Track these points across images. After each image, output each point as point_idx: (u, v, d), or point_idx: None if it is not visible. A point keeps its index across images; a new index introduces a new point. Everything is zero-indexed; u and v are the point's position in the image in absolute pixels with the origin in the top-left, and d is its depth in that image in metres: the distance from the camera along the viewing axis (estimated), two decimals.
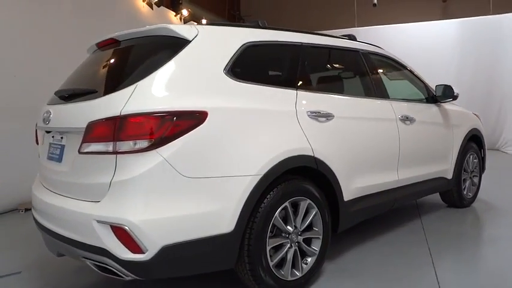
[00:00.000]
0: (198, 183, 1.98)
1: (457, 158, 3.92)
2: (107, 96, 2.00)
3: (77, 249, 2.02)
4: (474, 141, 4.25)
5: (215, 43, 2.26)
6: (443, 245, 3.20)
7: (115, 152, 1.90)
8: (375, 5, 9.64)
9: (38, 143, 2.66)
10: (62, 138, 2.28)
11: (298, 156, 2.34)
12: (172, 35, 2.16)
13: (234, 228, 2.05)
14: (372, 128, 2.97)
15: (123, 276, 1.96)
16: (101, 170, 1.95)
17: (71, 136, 2.19)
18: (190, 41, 2.15)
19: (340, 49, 3.05)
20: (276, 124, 2.32)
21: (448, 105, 3.90)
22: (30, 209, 4.75)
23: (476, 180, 4.36)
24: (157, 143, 1.88)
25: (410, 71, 3.77)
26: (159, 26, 2.18)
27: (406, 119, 3.26)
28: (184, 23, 8.05)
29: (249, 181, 2.10)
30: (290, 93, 2.47)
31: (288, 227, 2.34)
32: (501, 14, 8.56)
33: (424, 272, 2.71)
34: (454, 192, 4.04)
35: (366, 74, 3.17)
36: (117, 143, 1.88)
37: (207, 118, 2.01)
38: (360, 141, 2.84)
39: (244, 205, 2.08)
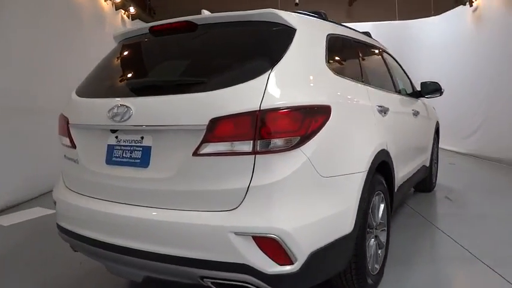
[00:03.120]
0: (331, 182, 1.85)
1: (432, 147, 4.38)
2: (231, 88, 1.70)
3: (196, 269, 1.70)
4: (436, 133, 4.78)
5: (312, 33, 2.12)
6: (448, 224, 3.55)
7: (254, 152, 1.65)
8: (296, 4, 10.01)
9: (74, 145, 2.14)
10: (142, 138, 1.89)
11: (382, 150, 2.35)
12: (279, 21, 1.95)
13: (353, 228, 1.97)
14: (405, 121, 3.14)
15: None
16: (231, 174, 1.67)
17: (163, 135, 1.83)
18: (296, 30, 1.97)
19: (374, 46, 3.14)
20: (366, 118, 2.29)
21: (425, 100, 4.30)
22: None
23: (435, 166, 4.91)
24: (301, 140, 1.70)
25: (401, 66, 4.06)
26: (265, 11, 1.94)
27: (416, 113, 3.51)
28: (116, 9, 7.31)
29: (361, 177, 2.05)
30: (363, 87, 2.46)
31: (373, 222, 2.34)
32: (405, 20, 9.77)
33: (455, 250, 2.98)
34: (427, 178, 4.49)
35: (388, 70, 3.32)
36: (258, 141, 1.64)
37: (331, 113, 1.88)
38: (401, 134, 2.98)
39: (359, 202, 2.02)
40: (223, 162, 1.69)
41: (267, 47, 1.92)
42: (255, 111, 1.64)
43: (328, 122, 1.84)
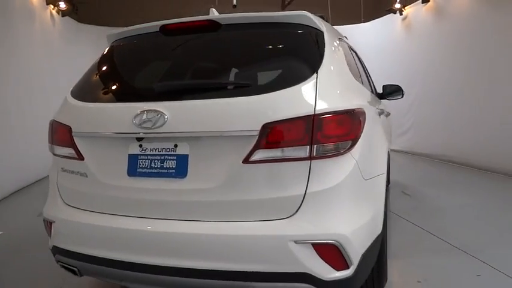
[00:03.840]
0: (370, 184, 1.87)
1: (390, 145, 4.67)
2: (281, 92, 1.63)
3: (252, 283, 1.61)
4: None
5: (332, 36, 2.13)
6: (416, 217, 3.81)
7: (310, 158, 1.60)
8: (234, 6, 10.00)
9: (81, 157, 1.89)
10: (175, 146, 1.73)
11: (390, 150, 2.45)
12: (309, 24, 1.93)
13: (382, 228, 2.02)
14: (386, 123, 3.31)
15: None
16: (286, 180, 1.61)
17: (202, 142, 1.70)
18: (323, 33, 1.97)
19: (354, 50, 3.25)
20: (377, 121, 2.37)
21: (384, 101, 4.56)
22: None
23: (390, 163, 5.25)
24: (352, 144, 1.69)
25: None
26: (297, 12, 1.90)
27: (388, 114, 3.72)
28: (47, 3, 6.66)
29: (384, 178, 2.11)
30: (367, 91, 2.54)
31: None
32: (337, 25, 10.28)
33: (435, 243, 3.20)
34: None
35: (366, 73, 3.47)
36: (314, 146, 1.60)
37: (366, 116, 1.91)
38: (386, 135, 3.12)
39: (384, 202, 2.07)
40: (277, 168, 1.62)
41: (306, 49, 1.88)
42: (311, 115, 1.60)
43: (365, 126, 1.87)
